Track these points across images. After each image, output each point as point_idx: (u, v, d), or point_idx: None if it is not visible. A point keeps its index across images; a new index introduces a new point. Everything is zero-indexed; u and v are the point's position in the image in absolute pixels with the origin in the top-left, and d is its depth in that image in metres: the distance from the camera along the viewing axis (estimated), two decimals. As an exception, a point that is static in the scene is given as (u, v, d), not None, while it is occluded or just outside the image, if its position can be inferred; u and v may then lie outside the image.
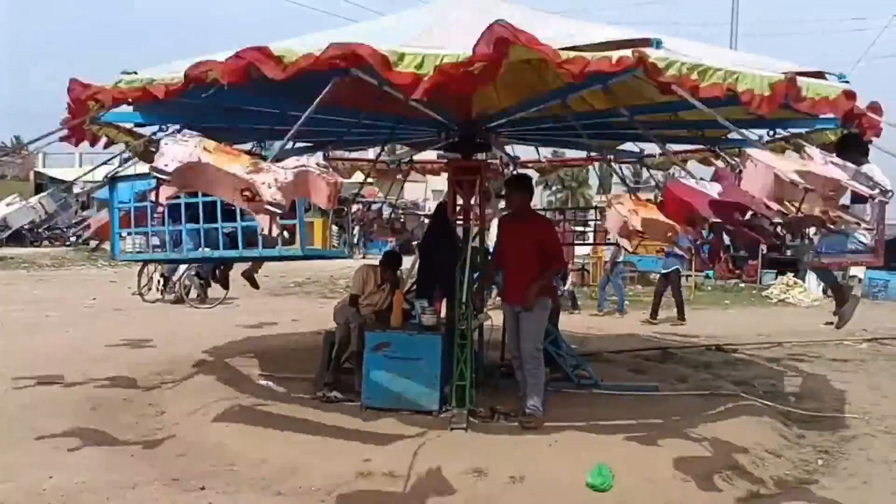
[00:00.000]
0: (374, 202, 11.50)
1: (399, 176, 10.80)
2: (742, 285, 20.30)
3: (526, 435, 5.53)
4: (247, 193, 3.76)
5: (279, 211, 3.76)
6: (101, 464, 5.08)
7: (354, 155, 10.92)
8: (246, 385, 6.91)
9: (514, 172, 8.68)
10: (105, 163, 7.87)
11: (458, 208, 7.00)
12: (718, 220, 4.50)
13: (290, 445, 5.30)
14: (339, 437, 5.44)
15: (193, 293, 13.95)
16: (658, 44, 4.44)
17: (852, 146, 5.26)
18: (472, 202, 6.95)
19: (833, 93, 4.60)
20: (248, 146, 8.40)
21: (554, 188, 55.74)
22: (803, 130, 6.48)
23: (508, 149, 9.35)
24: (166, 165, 3.72)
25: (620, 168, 9.82)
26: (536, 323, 6.01)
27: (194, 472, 4.97)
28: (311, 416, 5.90)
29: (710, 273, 20.33)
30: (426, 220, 9.13)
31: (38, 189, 33.65)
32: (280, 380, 7.08)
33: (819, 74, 4.95)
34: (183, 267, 13.83)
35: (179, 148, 3.82)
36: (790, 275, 19.11)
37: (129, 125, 6.31)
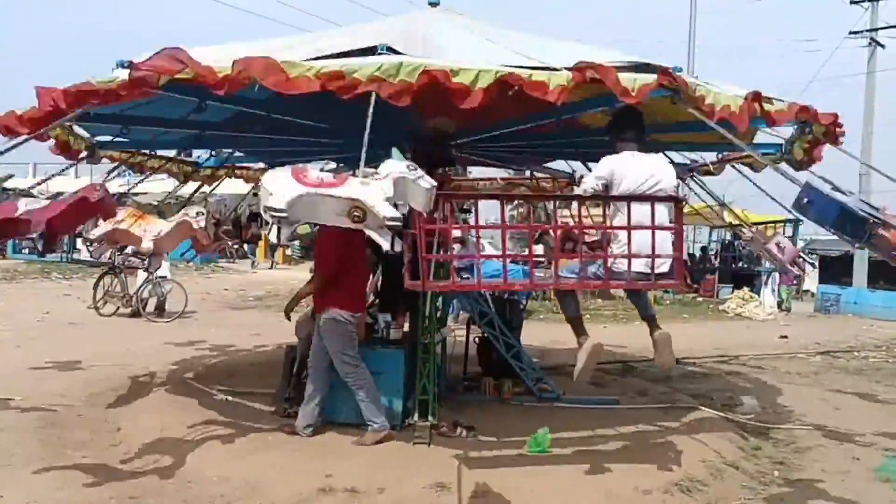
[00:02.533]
0: None
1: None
2: (700, 299, 20.68)
3: (488, 449, 5.54)
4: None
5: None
6: (53, 482, 4.94)
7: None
8: (205, 400, 6.79)
9: None
10: (63, 171, 7.69)
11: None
12: None
13: (250, 462, 5.22)
14: (300, 452, 5.38)
15: (151, 307, 13.71)
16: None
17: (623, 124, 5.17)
18: (436, 216, 6.94)
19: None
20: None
21: (515, 202, 56.17)
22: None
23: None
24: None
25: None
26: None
27: (151, 491, 4.86)
28: (272, 432, 5.84)
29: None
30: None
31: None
32: (240, 395, 6.98)
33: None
34: (141, 279, 13.61)
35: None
36: (746, 289, 19.57)
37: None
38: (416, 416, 5.99)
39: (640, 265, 4.54)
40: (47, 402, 6.98)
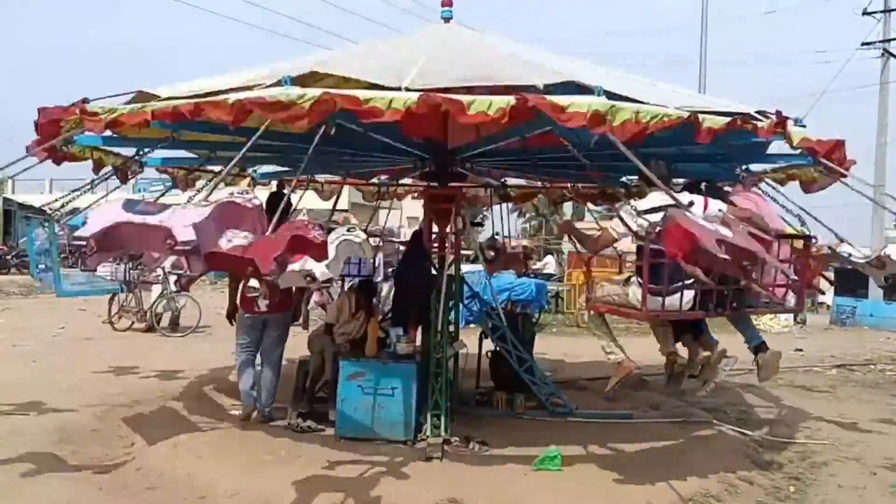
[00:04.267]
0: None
1: (377, 202, 10.86)
2: (714, 312, 20.49)
3: (500, 464, 5.53)
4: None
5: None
6: (67, 496, 4.97)
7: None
8: (218, 415, 6.83)
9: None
10: (85, 189, 7.77)
11: (433, 236, 7.05)
12: (727, 258, 4.09)
13: (263, 476, 5.24)
14: (312, 467, 5.39)
15: (165, 322, 13.78)
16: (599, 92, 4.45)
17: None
18: (448, 230, 7.00)
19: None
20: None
21: (528, 215, 56.11)
22: (778, 164, 6.71)
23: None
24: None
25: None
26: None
27: (164, 506, 4.88)
28: (284, 446, 5.86)
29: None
30: (402, 248, 9.15)
31: (7, 216, 33.11)
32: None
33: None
34: (155, 294, 13.68)
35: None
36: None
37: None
38: (428, 431, 6.00)
39: None
40: (62, 417, 7.02)
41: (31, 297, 20.29)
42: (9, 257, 27.27)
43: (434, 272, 6.79)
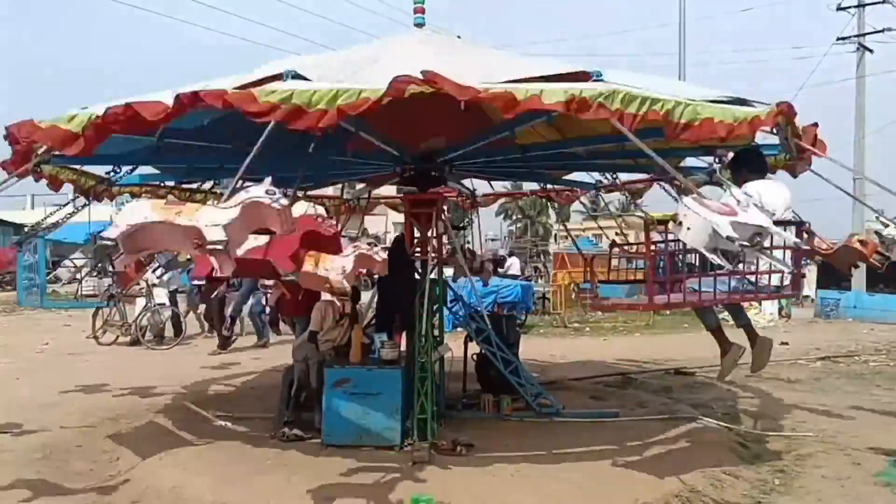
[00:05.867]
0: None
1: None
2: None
3: (488, 466, 5.53)
4: (196, 241, 3.78)
5: (222, 249, 3.80)
6: (52, 514, 4.93)
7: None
8: (204, 427, 6.79)
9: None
10: (65, 205, 7.70)
11: (415, 241, 7.04)
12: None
13: (250, 487, 5.21)
14: (300, 475, 5.37)
15: (150, 335, 13.69)
16: (598, 75, 4.55)
17: (744, 162, 5.67)
18: (430, 235, 6.99)
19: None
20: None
21: (514, 217, 56.28)
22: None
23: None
24: (114, 233, 3.86)
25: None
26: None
27: (150, 519, 4.85)
28: (271, 456, 5.83)
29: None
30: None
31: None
32: (239, 420, 6.97)
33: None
34: (139, 307, 13.61)
35: (126, 214, 3.95)
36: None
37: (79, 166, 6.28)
38: (415, 436, 6.00)
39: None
40: (46, 433, 6.96)
41: (15, 314, 20.11)
42: (-8, 274, 26.89)
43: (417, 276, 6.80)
